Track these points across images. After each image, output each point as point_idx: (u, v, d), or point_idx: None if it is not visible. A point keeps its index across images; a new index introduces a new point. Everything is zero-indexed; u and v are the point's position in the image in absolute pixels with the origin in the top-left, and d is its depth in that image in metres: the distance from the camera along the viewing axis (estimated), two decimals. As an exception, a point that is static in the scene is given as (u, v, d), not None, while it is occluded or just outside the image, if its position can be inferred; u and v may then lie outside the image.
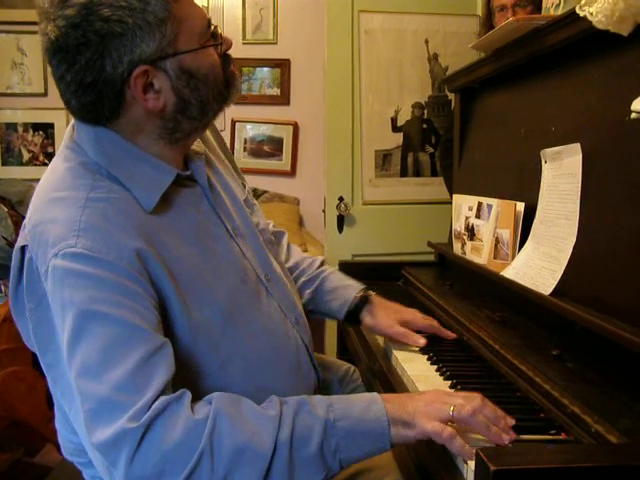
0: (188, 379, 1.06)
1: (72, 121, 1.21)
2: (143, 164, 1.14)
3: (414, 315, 1.55)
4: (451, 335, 1.52)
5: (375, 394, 1.06)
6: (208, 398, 1.01)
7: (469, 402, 1.01)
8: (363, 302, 1.56)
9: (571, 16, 1.34)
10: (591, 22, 1.20)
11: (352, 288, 1.59)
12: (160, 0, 1.06)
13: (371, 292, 1.59)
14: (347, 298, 1.56)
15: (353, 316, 1.56)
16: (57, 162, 1.18)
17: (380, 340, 1.61)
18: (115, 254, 1.01)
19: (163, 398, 0.95)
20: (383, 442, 1.00)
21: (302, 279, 1.61)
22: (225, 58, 1.20)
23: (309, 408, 1.01)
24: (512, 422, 1.02)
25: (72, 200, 1.06)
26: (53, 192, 1.11)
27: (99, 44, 1.04)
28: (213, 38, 1.17)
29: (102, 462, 0.97)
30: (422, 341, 1.44)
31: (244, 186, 1.45)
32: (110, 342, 0.97)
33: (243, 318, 1.18)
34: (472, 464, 0.86)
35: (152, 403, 0.94)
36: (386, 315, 1.53)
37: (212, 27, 1.17)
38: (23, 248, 1.09)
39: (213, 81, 1.16)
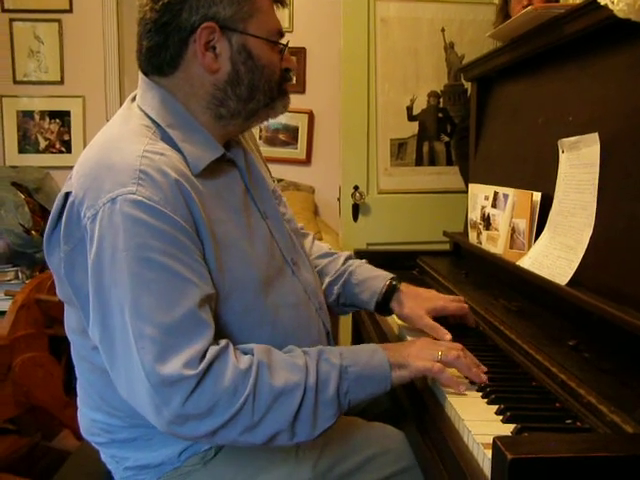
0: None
1: (130, 95, 1.30)
2: (197, 134, 1.22)
3: (445, 302, 1.53)
4: (472, 323, 1.53)
5: (376, 344, 1.23)
6: (247, 348, 1.12)
7: (453, 349, 1.21)
8: (391, 292, 1.54)
9: (591, 4, 1.33)
10: (611, 11, 1.19)
11: (380, 278, 1.58)
12: None
13: (399, 281, 1.57)
14: (375, 289, 1.55)
15: (383, 307, 1.56)
16: (114, 123, 1.24)
17: (395, 327, 1.62)
18: (171, 207, 1.07)
19: (213, 348, 1.05)
20: (385, 384, 1.17)
21: (327, 279, 1.61)
22: (285, 73, 1.31)
23: (326, 356, 1.15)
24: (485, 369, 1.21)
25: (130, 150, 1.11)
26: (109, 143, 1.16)
27: None
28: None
29: (151, 400, 1.02)
30: (448, 337, 1.40)
31: (272, 179, 1.50)
32: (161, 290, 1.04)
33: (273, 289, 1.25)
34: (489, 452, 0.86)
35: (205, 352, 1.04)
36: (416, 305, 1.50)
37: (284, 40, 1.29)
38: (67, 194, 1.13)
39: (268, 75, 1.26)
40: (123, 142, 1.14)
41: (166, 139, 1.18)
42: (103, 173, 1.09)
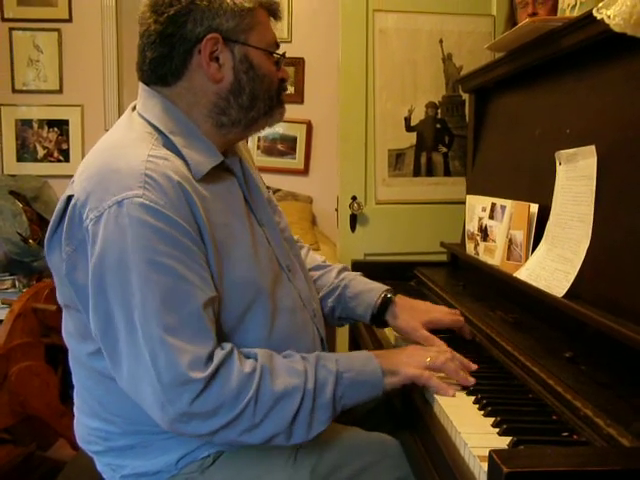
0: None
1: (130, 105, 1.31)
2: (197, 141, 1.24)
3: (441, 314, 1.54)
4: (468, 335, 1.53)
5: (368, 352, 1.28)
6: (251, 353, 1.16)
7: (442, 354, 1.27)
8: (386, 305, 1.55)
9: (588, 18, 1.34)
10: (608, 25, 1.19)
11: (375, 292, 1.58)
12: None
13: (394, 294, 1.58)
14: (370, 303, 1.56)
15: (378, 319, 1.56)
16: (116, 131, 1.26)
17: (392, 337, 1.62)
18: (176, 211, 1.10)
19: (220, 352, 1.09)
20: (377, 390, 1.21)
21: (320, 293, 1.61)
22: (281, 83, 1.34)
23: (323, 362, 1.19)
24: (474, 367, 1.28)
25: (134, 155, 1.13)
26: (113, 148, 1.19)
27: (190, 3, 1.19)
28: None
29: (157, 398, 1.05)
30: (444, 348, 1.41)
31: (267, 188, 1.52)
32: (166, 292, 1.06)
33: (272, 293, 1.27)
34: (485, 465, 0.86)
35: (211, 355, 1.08)
36: (411, 317, 1.51)
37: (280, 51, 1.31)
38: (69, 197, 1.14)
39: (267, 84, 1.29)
40: (127, 147, 1.16)
41: (168, 145, 1.20)
42: (108, 176, 1.11)
